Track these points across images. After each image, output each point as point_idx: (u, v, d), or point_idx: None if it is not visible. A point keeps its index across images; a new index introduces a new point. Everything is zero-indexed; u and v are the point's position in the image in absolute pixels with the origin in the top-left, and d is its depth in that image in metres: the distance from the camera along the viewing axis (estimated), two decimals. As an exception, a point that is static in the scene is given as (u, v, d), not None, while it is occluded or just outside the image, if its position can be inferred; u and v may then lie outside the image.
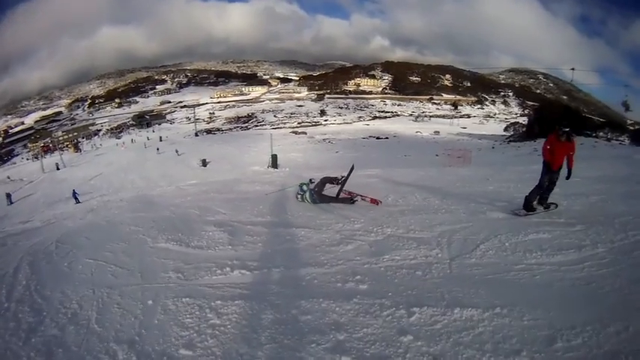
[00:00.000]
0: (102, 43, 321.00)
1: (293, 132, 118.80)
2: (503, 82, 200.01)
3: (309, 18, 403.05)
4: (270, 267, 7.44)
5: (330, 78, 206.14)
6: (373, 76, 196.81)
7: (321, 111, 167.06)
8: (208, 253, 8.61)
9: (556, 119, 50.44)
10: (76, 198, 34.63)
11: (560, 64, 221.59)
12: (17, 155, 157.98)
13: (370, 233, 8.97)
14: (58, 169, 51.06)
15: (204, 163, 44.48)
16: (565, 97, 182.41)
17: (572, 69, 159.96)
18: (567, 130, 9.26)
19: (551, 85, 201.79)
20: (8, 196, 34.15)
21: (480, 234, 8.22)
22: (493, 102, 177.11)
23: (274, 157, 34.90)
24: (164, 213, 13.63)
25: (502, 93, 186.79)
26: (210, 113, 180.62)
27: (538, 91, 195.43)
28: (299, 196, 13.37)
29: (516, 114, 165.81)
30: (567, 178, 9.47)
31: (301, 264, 7.49)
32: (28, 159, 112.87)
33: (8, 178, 64.35)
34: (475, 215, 9.78)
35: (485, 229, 8.49)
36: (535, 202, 9.75)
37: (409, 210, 10.85)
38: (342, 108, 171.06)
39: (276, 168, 32.65)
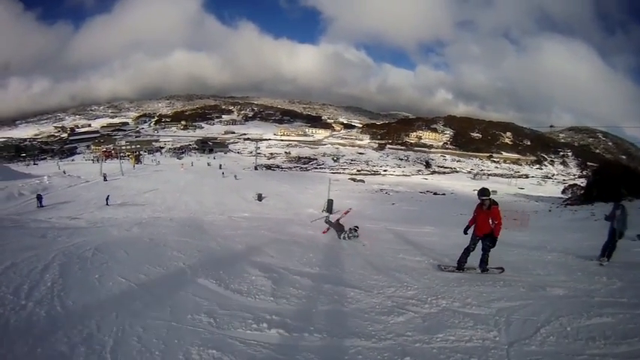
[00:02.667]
0: (174, 66, 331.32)
1: (351, 179, 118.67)
2: (562, 140, 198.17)
3: (376, 66, 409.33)
4: (312, 331, 6.59)
5: (393, 128, 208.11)
6: (435, 130, 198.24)
7: (381, 160, 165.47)
8: (247, 301, 8.11)
9: (615, 181, 49.88)
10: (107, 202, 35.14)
11: (620, 121, 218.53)
12: (79, 154, 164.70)
13: (424, 304, 8.23)
14: (105, 179, 51.13)
15: (260, 197, 44.04)
16: (624, 157, 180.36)
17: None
18: (486, 198, 10.54)
19: (611, 144, 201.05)
20: (39, 198, 33.86)
21: (540, 314, 7.58)
22: (552, 162, 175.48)
23: (330, 202, 34.36)
24: (210, 244, 13.76)
25: (561, 153, 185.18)
26: (270, 150, 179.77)
27: (597, 150, 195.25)
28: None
29: (574, 175, 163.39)
30: (490, 245, 10.69)
31: (346, 333, 6.65)
32: (88, 160, 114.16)
33: (64, 172, 65.65)
34: (535, 291, 9.13)
35: (546, 309, 7.82)
36: (465, 264, 11.12)
37: (466, 279, 10.22)
38: (402, 160, 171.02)
39: (331, 213, 31.99)
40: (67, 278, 8.73)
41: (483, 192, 10.70)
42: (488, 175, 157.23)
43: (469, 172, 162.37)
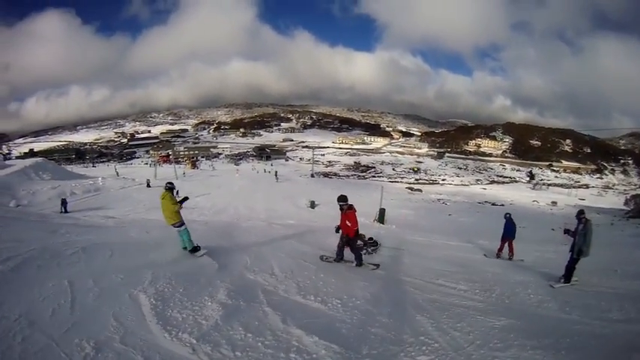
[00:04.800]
0: (232, 75, 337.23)
1: (409, 188, 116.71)
2: (623, 147, 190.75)
3: (433, 72, 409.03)
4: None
5: (451, 136, 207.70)
6: (494, 138, 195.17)
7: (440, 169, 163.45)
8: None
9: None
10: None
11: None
12: (138, 158, 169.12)
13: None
14: (148, 186, 51.00)
15: (313, 205, 42.80)
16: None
17: None
18: (342, 203, 12.01)
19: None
20: (64, 202, 33.24)
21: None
22: (612, 171, 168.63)
23: (382, 212, 32.24)
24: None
25: (622, 161, 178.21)
26: (323, 155, 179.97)
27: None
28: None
29: (636, 185, 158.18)
30: (351, 242, 12.33)
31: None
32: (146, 164, 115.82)
33: (117, 174, 66.45)
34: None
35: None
36: (342, 257, 12.69)
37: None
38: (460, 169, 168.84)
39: (383, 223, 30.26)
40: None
41: (340, 198, 12.23)
42: (548, 185, 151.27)
43: (528, 182, 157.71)
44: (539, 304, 10.02)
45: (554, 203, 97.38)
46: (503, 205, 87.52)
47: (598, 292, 11.19)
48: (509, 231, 17.35)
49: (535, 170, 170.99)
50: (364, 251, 14.67)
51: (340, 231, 12.42)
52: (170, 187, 11.95)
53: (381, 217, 31.23)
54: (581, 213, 12.68)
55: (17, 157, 72.89)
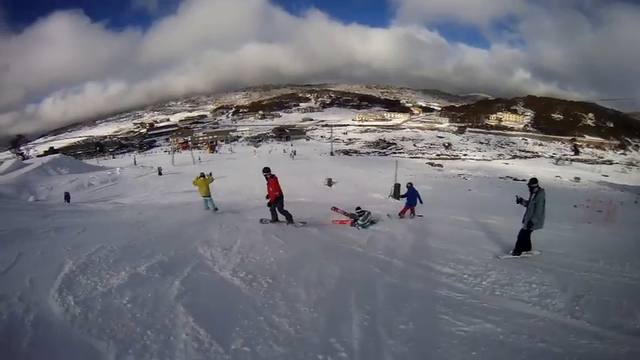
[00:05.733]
0: (248, 59, 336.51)
1: (429, 163, 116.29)
2: None
3: (450, 46, 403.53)
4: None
5: (472, 110, 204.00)
6: (515, 111, 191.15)
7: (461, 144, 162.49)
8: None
9: None
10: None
11: None
12: (158, 147, 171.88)
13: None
14: (160, 174, 51.55)
15: (330, 182, 42.94)
16: None
17: None
18: (265, 174, 15.50)
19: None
20: (67, 196, 33.35)
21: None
22: (636, 147, 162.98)
23: (397, 187, 31.81)
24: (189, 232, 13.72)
25: None
26: (345, 133, 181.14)
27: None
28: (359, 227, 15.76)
29: None
30: (275, 204, 15.37)
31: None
32: (166, 151, 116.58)
33: (135, 163, 67.09)
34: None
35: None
36: (277, 218, 15.58)
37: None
38: (482, 143, 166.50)
39: (397, 199, 29.74)
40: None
41: (264, 170, 15.73)
42: (572, 160, 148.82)
43: (551, 157, 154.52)
44: (540, 298, 8.33)
45: (577, 179, 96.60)
46: (524, 180, 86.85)
47: (618, 284, 9.39)
48: (412, 198, 19.82)
49: (558, 145, 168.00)
50: (357, 224, 16.02)
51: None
52: (202, 175, 19.94)
53: (396, 193, 30.89)
54: (533, 182, 11.99)
55: (38, 157, 73.93)
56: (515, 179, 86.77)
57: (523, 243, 11.72)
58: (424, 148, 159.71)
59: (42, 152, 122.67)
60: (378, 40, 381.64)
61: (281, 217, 15.47)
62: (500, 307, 7.80)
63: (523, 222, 11.74)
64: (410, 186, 20.46)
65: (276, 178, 15.36)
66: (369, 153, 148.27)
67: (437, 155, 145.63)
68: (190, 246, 11.21)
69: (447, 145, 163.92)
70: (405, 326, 6.73)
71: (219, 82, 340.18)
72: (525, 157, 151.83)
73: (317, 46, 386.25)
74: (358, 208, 17.23)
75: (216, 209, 19.35)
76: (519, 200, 12.33)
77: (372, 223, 16.54)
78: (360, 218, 16.19)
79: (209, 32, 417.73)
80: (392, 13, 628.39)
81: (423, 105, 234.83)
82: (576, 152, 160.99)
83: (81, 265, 8.71)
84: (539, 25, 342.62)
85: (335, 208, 18.38)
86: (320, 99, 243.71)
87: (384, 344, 6.13)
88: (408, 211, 19.93)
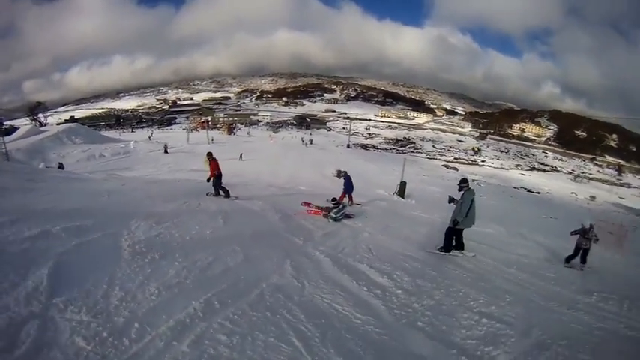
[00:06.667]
0: (278, 45, 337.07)
1: (445, 165, 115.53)
2: None
3: (482, 52, 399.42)
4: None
5: (496, 118, 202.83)
6: (539, 124, 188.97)
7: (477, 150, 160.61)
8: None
9: None
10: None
11: None
12: (178, 124, 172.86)
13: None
14: (166, 152, 51.92)
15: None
16: None
17: None
18: (208, 157, 18.48)
19: None
20: (60, 166, 34.31)
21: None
22: None
23: (402, 185, 31.44)
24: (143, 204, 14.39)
25: None
26: (368, 129, 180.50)
27: None
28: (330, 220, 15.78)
29: None
30: (215, 181, 18.20)
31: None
32: (184, 129, 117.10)
33: (149, 138, 67.65)
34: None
35: None
36: (222, 192, 18.21)
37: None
38: (502, 152, 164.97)
39: (402, 197, 29.54)
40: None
41: (208, 154, 18.95)
42: (589, 179, 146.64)
43: (569, 174, 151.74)
44: (480, 343, 6.67)
45: (592, 198, 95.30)
46: (539, 193, 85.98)
47: (609, 332, 7.61)
48: (348, 188, 21.24)
49: (577, 162, 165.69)
50: (329, 216, 16.08)
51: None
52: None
53: (401, 191, 30.53)
54: (463, 182, 12.40)
55: (58, 124, 75.00)
56: (529, 191, 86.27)
57: (449, 240, 12.08)
58: (443, 151, 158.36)
59: (62, 120, 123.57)
60: (411, 38, 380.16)
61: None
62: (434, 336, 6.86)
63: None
64: (347, 176, 21.82)
65: (217, 160, 18.42)
66: (386, 149, 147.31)
67: (454, 159, 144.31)
68: (127, 217, 11.38)
69: (476, 150, 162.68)
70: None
71: (247, 65, 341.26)
72: (543, 171, 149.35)
73: (348, 39, 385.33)
74: (334, 199, 17.78)
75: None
76: (451, 200, 12.54)
77: (348, 217, 16.67)
78: (334, 211, 16.19)
79: (242, 15, 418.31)
80: (427, 13, 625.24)
81: (448, 107, 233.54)
82: (619, 173, 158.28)
83: (13, 219, 9.04)
84: (573, 40, 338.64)
85: (306, 203, 18.25)
86: (345, 91, 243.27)
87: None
88: (346, 198, 20.96)
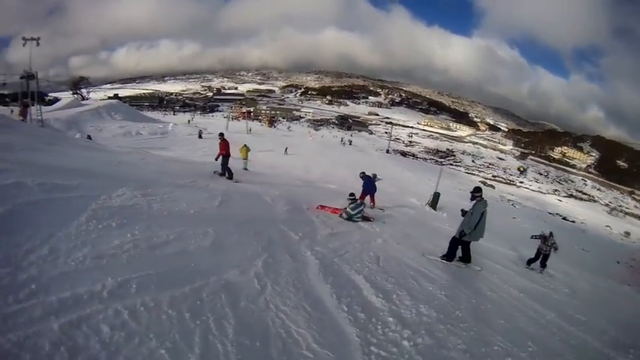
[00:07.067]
0: (325, 43, 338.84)
1: (482, 182, 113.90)
2: None
3: (529, 68, 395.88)
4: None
5: (538, 138, 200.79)
6: (581, 149, 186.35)
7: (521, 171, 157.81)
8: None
9: None
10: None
11: None
12: (220, 112, 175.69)
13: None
14: (200, 137, 52.86)
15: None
16: None
17: None
18: (219, 139, 20.11)
19: None
20: (89, 137, 35.68)
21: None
22: None
23: (436, 196, 30.48)
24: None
25: None
26: (410, 136, 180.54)
27: None
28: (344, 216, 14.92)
29: None
30: (223, 160, 19.27)
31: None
32: (225, 117, 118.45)
33: (189, 122, 68.41)
34: None
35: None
36: (226, 173, 19.12)
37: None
38: (541, 174, 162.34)
39: (434, 209, 28.71)
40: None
41: (219, 135, 20.61)
42: (626, 213, 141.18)
43: (606, 205, 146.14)
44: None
45: (627, 234, 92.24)
46: (574, 221, 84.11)
47: None
48: (369, 188, 20.29)
49: (615, 194, 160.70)
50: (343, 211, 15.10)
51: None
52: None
53: (434, 202, 29.66)
54: (476, 190, 11.60)
55: (101, 100, 76.97)
56: (564, 218, 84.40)
57: (453, 249, 11.40)
58: (482, 166, 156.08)
59: (105, 97, 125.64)
60: (459, 47, 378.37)
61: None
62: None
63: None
64: (372, 178, 21.54)
65: (227, 141, 19.50)
66: (425, 159, 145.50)
67: (492, 176, 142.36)
68: (117, 185, 10.89)
69: (522, 169, 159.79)
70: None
71: (293, 60, 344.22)
72: (581, 199, 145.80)
73: (396, 43, 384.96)
74: (351, 194, 15.91)
75: (245, 169, 26.40)
76: (464, 213, 11.68)
77: (366, 219, 15.59)
78: (351, 206, 15.05)
79: (291, 10, 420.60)
80: (476, 23, 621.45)
81: (491, 122, 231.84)
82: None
83: (1, 168, 9.06)
84: (622, 64, 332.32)
85: (322, 207, 16.18)
86: (390, 96, 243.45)
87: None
88: (368, 197, 20.03)
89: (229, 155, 19.31)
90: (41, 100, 44.25)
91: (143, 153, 23.79)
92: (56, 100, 62.42)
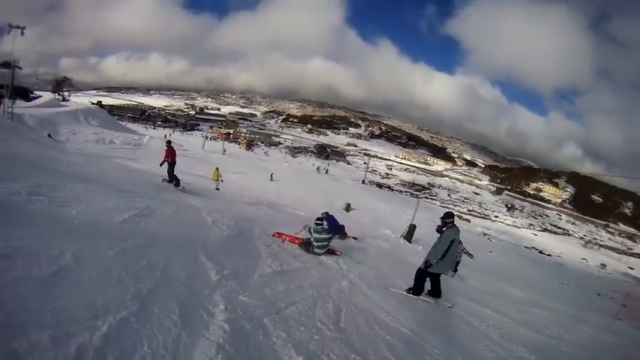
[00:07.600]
0: (311, 72, 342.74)
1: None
2: None
3: (509, 106, 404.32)
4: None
5: (514, 175, 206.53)
6: (556, 185, 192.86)
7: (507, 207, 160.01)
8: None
9: None
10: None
11: None
12: (199, 130, 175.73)
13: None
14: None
15: (348, 207, 41.84)
16: None
17: None
18: (166, 145, 21.19)
19: None
20: (49, 135, 36.34)
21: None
22: None
23: (412, 228, 29.47)
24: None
25: None
26: (389, 168, 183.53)
27: None
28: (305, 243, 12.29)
29: None
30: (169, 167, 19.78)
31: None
32: (203, 136, 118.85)
33: (165, 136, 68.39)
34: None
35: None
36: (176, 182, 19.73)
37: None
38: (516, 209, 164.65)
39: (409, 242, 27.68)
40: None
41: (167, 142, 22.10)
42: (600, 245, 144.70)
43: (581, 239, 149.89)
44: None
45: (603, 266, 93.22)
46: (550, 255, 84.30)
47: None
48: (337, 228, 16.18)
49: (590, 227, 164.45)
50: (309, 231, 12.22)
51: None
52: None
53: (409, 234, 28.74)
54: (447, 216, 10.14)
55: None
56: (540, 252, 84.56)
57: (420, 281, 9.91)
58: (457, 201, 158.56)
59: (89, 103, 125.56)
60: (442, 84, 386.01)
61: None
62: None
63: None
64: (325, 216, 16.14)
65: (174, 150, 20.54)
66: (401, 191, 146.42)
67: (467, 210, 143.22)
68: (22, 180, 9.47)
69: (509, 206, 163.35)
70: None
71: (278, 87, 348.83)
72: (555, 233, 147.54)
73: (380, 76, 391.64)
74: (321, 215, 14.74)
75: (217, 189, 28.59)
76: (439, 230, 10.21)
77: (332, 253, 12.65)
78: (317, 229, 12.28)
79: (281, 37, 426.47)
80: (460, 61, 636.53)
81: (468, 158, 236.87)
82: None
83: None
84: (601, 103, 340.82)
85: (279, 234, 13.18)
86: (370, 128, 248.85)
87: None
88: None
89: (174, 163, 20.14)
90: (24, 96, 43.50)
91: (102, 159, 24.03)
92: (38, 97, 62.12)
